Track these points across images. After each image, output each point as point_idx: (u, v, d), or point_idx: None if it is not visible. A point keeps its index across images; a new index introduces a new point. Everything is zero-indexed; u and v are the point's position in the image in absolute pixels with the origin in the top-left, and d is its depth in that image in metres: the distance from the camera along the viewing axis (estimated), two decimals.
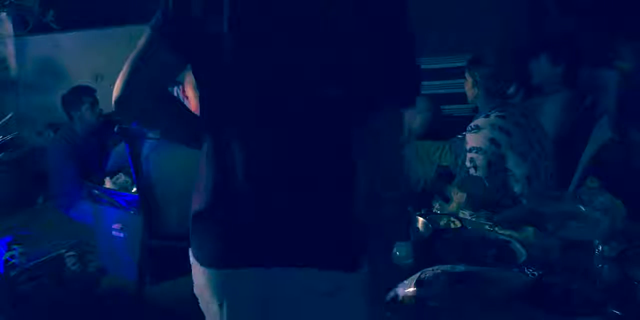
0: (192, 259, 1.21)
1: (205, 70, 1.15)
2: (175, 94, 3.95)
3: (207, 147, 1.18)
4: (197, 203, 1.18)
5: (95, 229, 3.06)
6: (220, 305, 1.17)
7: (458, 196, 2.10)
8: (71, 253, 2.70)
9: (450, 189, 2.16)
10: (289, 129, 1.11)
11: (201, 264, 1.18)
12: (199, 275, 1.19)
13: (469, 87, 2.40)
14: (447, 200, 2.15)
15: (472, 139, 2.25)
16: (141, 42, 1.15)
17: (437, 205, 2.13)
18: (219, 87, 1.14)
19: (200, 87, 1.18)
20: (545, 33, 4.27)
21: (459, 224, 1.94)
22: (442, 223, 1.96)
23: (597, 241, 1.61)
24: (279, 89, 1.09)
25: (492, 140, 2.21)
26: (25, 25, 3.89)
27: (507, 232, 1.82)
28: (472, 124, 2.29)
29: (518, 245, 1.72)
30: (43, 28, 3.85)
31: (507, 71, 2.40)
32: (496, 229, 1.86)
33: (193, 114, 1.27)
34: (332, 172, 1.12)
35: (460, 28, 4.30)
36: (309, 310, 1.14)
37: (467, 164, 2.22)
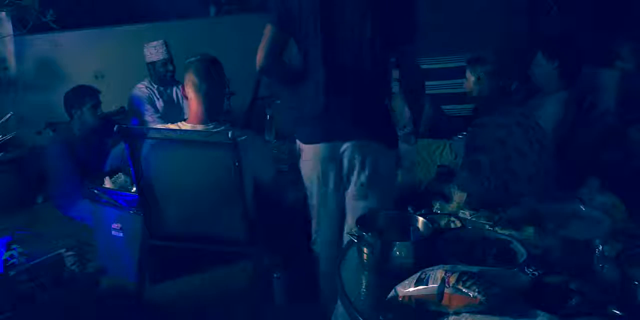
0: (297, 142, 2.26)
1: (302, 44, 2.13)
2: (175, 94, 3.97)
3: (306, 86, 2.17)
4: (298, 115, 2.24)
5: (94, 228, 3.06)
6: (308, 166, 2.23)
7: (458, 196, 2.10)
8: (70, 253, 2.69)
9: (451, 188, 2.16)
10: (347, 75, 2.11)
11: (304, 142, 2.23)
12: (304, 150, 2.24)
13: (470, 85, 2.40)
14: (448, 199, 2.15)
15: (479, 137, 2.24)
16: (266, 31, 2.13)
17: (437, 205, 2.13)
18: (311, 53, 2.12)
19: (300, 52, 2.16)
20: (543, 32, 4.27)
21: (459, 224, 1.94)
22: (442, 223, 1.96)
23: (597, 241, 1.61)
24: (343, 58, 2.10)
25: (497, 140, 2.21)
26: (24, 25, 3.89)
27: (507, 232, 1.82)
28: (476, 122, 2.29)
29: (518, 245, 1.72)
30: (42, 27, 3.85)
31: (509, 69, 2.40)
32: (496, 229, 1.86)
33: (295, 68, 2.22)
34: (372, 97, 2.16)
35: (460, 28, 4.31)
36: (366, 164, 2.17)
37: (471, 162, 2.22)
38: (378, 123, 2.20)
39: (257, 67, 2.16)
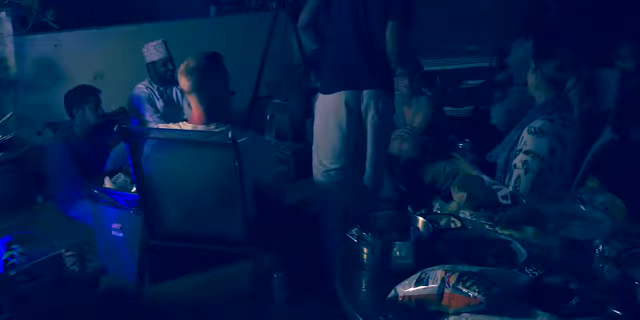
0: (319, 95, 2.90)
1: (330, 13, 2.83)
2: (175, 94, 3.97)
3: (327, 47, 2.90)
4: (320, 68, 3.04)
5: (95, 229, 3.06)
6: (331, 111, 2.83)
7: (458, 196, 2.10)
8: (70, 253, 2.69)
9: (451, 188, 2.16)
10: (362, 35, 2.77)
11: (322, 93, 2.87)
12: (321, 100, 2.87)
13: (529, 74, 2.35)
14: (448, 199, 2.15)
15: (532, 142, 2.20)
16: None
17: (437, 205, 2.13)
18: (334, 21, 2.83)
19: (327, 19, 2.85)
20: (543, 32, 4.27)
21: (459, 224, 1.94)
22: (442, 223, 1.96)
23: (597, 241, 1.61)
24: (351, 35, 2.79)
25: (552, 150, 2.19)
26: (24, 25, 3.88)
27: (507, 232, 1.82)
28: (535, 126, 2.22)
29: (518, 245, 1.72)
30: (42, 27, 3.84)
31: (570, 64, 2.34)
32: (496, 229, 1.86)
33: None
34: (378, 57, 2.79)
35: (461, 28, 4.31)
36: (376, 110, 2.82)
37: (519, 164, 2.18)
38: (383, 74, 2.82)
39: (298, 25, 3.01)
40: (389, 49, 2.72)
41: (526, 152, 2.19)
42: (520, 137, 2.26)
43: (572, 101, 2.31)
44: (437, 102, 3.82)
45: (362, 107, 2.81)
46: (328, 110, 2.83)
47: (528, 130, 2.24)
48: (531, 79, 2.33)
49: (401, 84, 3.69)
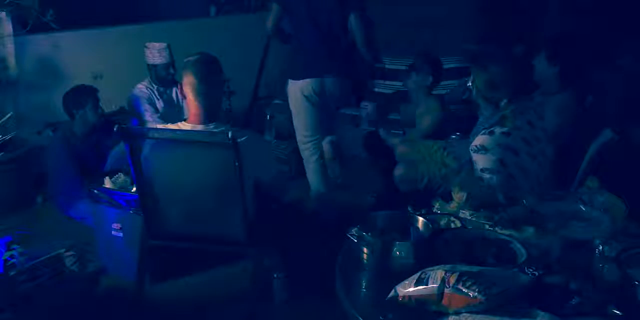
0: (289, 82, 3.49)
1: (291, 16, 3.39)
2: (175, 94, 3.97)
3: (294, 43, 3.48)
4: (293, 62, 3.55)
5: (95, 228, 3.06)
6: (300, 93, 3.45)
7: (458, 196, 2.09)
8: (70, 253, 2.69)
9: (451, 188, 2.16)
10: (321, 30, 3.34)
11: (291, 79, 3.47)
12: (291, 86, 3.47)
13: (472, 82, 2.38)
14: (448, 199, 2.15)
15: (481, 161, 2.23)
16: (273, 8, 3.36)
17: (437, 205, 2.13)
18: (296, 20, 3.41)
19: (290, 21, 3.43)
20: (544, 33, 4.27)
21: (459, 224, 1.94)
22: (442, 223, 1.96)
23: (597, 241, 1.61)
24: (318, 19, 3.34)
25: (502, 161, 2.20)
26: (24, 25, 3.88)
27: (508, 232, 1.82)
28: (477, 145, 2.25)
29: (518, 245, 1.72)
30: (42, 27, 3.84)
31: (504, 83, 2.34)
32: (496, 229, 1.86)
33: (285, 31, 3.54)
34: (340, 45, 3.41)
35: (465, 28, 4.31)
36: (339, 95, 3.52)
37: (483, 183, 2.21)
38: (342, 62, 3.41)
39: (268, 31, 3.49)
40: (358, 39, 3.31)
41: (482, 171, 2.23)
42: (471, 158, 2.30)
43: (507, 119, 2.30)
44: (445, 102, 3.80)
45: (326, 91, 3.40)
46: (298, 93, 3.41)
47: (472, 150, 2.28)
48: (472, 89, 2.37)
49: (410, 82, 3.64)
